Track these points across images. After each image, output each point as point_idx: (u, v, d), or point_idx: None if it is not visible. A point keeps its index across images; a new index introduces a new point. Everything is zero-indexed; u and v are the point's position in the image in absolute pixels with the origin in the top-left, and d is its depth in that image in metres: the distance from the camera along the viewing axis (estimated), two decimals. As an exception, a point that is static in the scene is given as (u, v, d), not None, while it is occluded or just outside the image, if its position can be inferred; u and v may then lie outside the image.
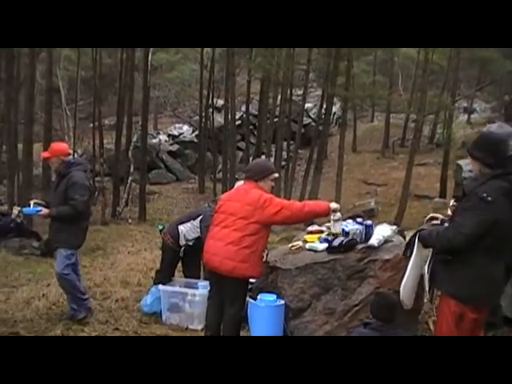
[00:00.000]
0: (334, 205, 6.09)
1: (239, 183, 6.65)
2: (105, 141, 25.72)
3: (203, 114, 27.75)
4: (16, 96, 19.40)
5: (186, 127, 34.58)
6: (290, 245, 6.82)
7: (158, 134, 33.89)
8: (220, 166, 27.07)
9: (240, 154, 29.61)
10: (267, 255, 6.23)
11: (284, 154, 25.00)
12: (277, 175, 6.52)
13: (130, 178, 23.01)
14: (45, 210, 7.13)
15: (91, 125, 26.48)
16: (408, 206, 20.25)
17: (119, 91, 24.43)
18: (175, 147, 31.90)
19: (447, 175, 22.92)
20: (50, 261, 10.25)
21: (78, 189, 7.02)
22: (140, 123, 23.60)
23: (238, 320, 6.12)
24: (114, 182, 23.15)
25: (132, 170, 23.01)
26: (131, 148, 23.22)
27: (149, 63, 23.84)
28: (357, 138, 32.24)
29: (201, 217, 7.78)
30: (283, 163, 24.50)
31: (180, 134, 33.65)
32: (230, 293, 6.02)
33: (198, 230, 7.72)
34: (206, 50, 26.95)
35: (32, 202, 7.36)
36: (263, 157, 23.13)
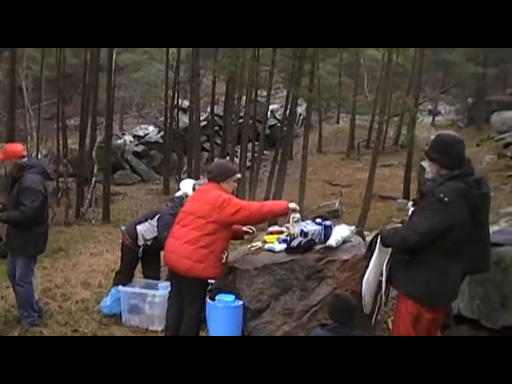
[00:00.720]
0: (292, 205, 6.13)
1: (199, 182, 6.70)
2: (69, 141, 25.49)
3: (168, 114, 27.65)
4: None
5: (151, 128, 34.43)
6: (249, 245, 6.82)
7: (124, 134, 33.69)
8: (185, 167, 26.98)
9: (206, 154, 29.63)
10: (227, 257, 6.22)
11: (249, 154, 25.00)
12: (239, 176, 6.57)
13: (94, 179, 22.78)
14: None
15: (56, 125, 26.20)
16: (372, 206, 20.38)
17: (83, 91, 24.22)
18: (140, 148, 31.71)
19: (411, 176, 23.12)
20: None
21: (29, 194, 6.83)
22: (104, 124, 23.41)
23: (197, 321, 6.13)
24: (78, 182, 22.91)
25: (96, 170, 22.79)
26: (95, 148, 22.99)
27: (113, 63, 23.70)
28: (322, 139, 32.43)
29: (158, 216, 7.73)
30: (248, 164, 24.51)
31: (145, 134, 33.48)
32: (188, 293, 6.05)
33: (156, 229, 7.66)
34: (171, 50, 26.82)
35: None
36: (227, 158, 23.16)
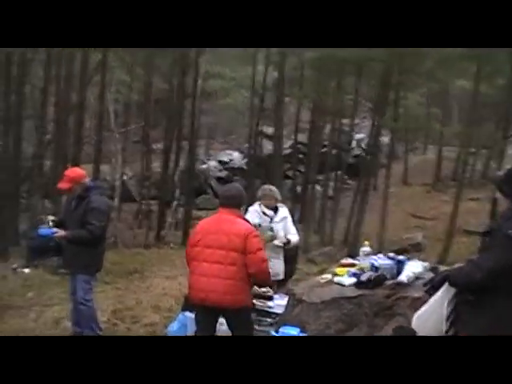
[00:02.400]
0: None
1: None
2: (155, 164, 25.94)
3: (253, 141, 27.74)
4: (66, 118, 19.66)
5: (236, 154, 34.67)
6: (319, 277, 6.63)
7: (209, 159, 34.07)
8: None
9: (288, 182, 29.53)
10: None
11: (332, 184, 24.79)
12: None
13: (176, 203, 23.02)
14: (60, 232, 7.04)
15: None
16: (456, 241, 19.78)
17: (168, 116, 24.66)
18: (224, 173, 31.95)
19: (497, 211, 22.30)
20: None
21: (97, 214, 6.92)
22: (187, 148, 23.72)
23: None
24: (160, 205, 23.22)
25: (178, 194, 23.04)
26: (178, 172, 23.28)
27: (198, 89, 24.00)
28: (408, 171, 31.80)
29: None
30: (331, 193, 24.30)
31: (230, 160, 33.76)
32: (235, 325, 5.83)
33: None
34: (258, 77, 26.95)
35: (50, 219, 7.28)
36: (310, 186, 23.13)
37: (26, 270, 12.08)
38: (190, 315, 7.39)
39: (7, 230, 17.29)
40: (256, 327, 6.25)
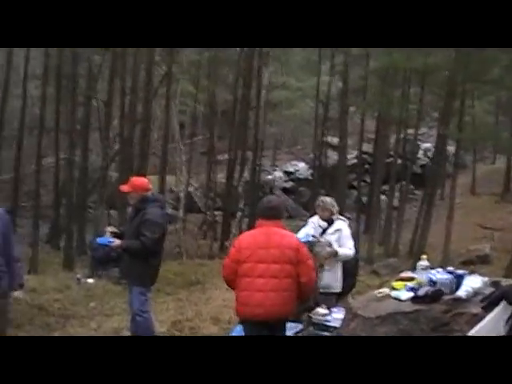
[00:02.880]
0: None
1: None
2: (220, 175, 26.10)
3: (318, 151, 27.64)
4: (132, 130, 19.95)
5: (302, 164, 34.58)
6: (376, 291, 6.51)
7: (274, 170, 34.09)
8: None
9: (354, 192, 29.31)
10: None
11: (398, 194, 24.49)
12: None
13: (240, 214, 23.08)
14: (117, 242, 7.15)
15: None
16: (525, 254, 19.20)
17: (231, 127, 24.85)
18: (289, 184, 31.92)
19: None
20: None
21: (150, 226, 6.96)
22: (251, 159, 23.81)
23: None
24: (225, 216, 23.33)
25: (242, 205, 23.12)
26: (242, 183, 23.37)
27: (261, 100, 24.08)
28: (476, 180, 31.12)
29: None
30: (396, 203, 23.99)
31: (296, 171, 33.69)
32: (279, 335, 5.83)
33: None
34: (322, 87, 26.85)
35: (109, 230, 7.41)
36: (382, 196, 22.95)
37: (90, 280, 12.29)
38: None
39: (74, 241, 17.63)
40: (313, 340, 6.19)
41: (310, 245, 7.32)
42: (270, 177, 31.66)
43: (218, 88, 25.53)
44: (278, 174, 33.32)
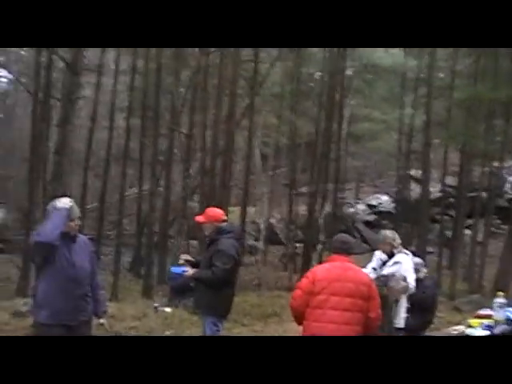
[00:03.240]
0: None
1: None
2: (302, 207, 26.05)
3: (401, 184, 27.26)
4: (214, 161, 20.20)
5: (385, 197, 34.10)
6: (451, 328, 6.36)
7: (357, 203, 33.80)
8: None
9: (437, 226, 28.71)
10: None
11: (482, 228, 23.82)
12: None
13: (320, 246, 22.95)
14: (190, 271, 7.23)
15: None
16: None
17: (313, 160, 24.89)
18: (372, 217, 31.52)
19: None
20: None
21: (222, 257, 7.00)
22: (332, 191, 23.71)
23: None
24: (305, 248, 23.23)
25: (323, 237, 23.00)
26: (323, 215, 23.28)
27: (341, 132, 24.03)
28: None
29: None
30: (481, 238, 23.33)
31: (379, 204, 33.25)
32: None
33: None
34: (406, 120, 26.57)
35: (183, 258, 7.50)
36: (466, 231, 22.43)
37: (167, 309, 12.39)
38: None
39: (154, 269, 17.90)
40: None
41: (384, 279, 7.25)
42: (352, 210, 31.40)
43: (300, 120, 25.61)
44: (361, 206, 32.99)
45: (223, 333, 9.67)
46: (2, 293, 16.69)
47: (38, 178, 15.53)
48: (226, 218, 7.52)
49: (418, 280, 8.72)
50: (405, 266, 7.31)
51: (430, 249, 23.78)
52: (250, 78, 22.34)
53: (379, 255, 7.46)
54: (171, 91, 20.16)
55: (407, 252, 7.79)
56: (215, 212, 7.55)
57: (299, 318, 5.88)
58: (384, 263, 7.38)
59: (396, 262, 7.34)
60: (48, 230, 5.16)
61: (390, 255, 7.44)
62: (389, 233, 7.74)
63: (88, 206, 27.43)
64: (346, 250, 5.93)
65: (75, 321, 5.48)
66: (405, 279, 7.36)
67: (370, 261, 7.54)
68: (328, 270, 5.95)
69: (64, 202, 5.42)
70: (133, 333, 10.20)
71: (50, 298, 5.30)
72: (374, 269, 7.29)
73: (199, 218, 7.51)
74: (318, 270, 6.05)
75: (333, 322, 5.64)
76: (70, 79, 10.79)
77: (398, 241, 7.61)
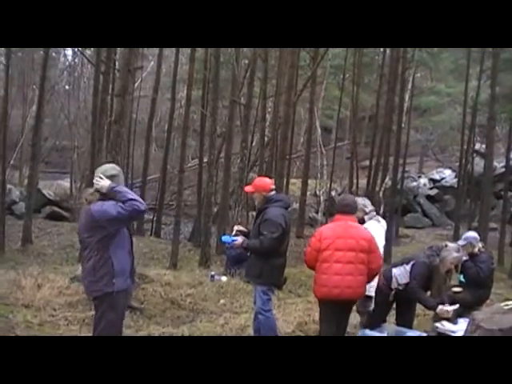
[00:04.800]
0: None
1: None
2: (363, 180, 25.92)
3: (464, 159, 26.74)
4: (274, 133, 20.20)
5: (448, 172, 33.54)
6: (503, 303, 6.26)
7: (420, 177, 33.39)
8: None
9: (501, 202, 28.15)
10: None
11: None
12: None
13: (379, 219, 22.81)
14: (239, 240, 7.29)
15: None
16: None
17: (374, 132, 24.66)
18: (434, 192, 31.02)
19: None
20: (278, 293, 10.48)
21: (269, 225, 7.04)
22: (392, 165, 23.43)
23: None
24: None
25: (382, 210, 22.81)
26: (383, 189, 23.10)
27: (405, 105, 23.67)
28: None
29: (413, 262, 7.45)
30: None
31: (442, 178, 32.70)
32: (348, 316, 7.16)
33: (409, 275, 7.39)
34: (471, 92, 25.98)
35: (236, 229, 7.60)
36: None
37: (223, 278, 12.54)
38: (369, 333, 7.34)
39: (213, 239, 18.07)
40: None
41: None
42: (414, 184, 31.01)
43: (363, 93, 25.39)
44: (424, 180, 32.55)
45: (277, 303, 9.85)
46: (65, 259, 17.19)
47: (99, 149, 15.78)
48: (273, 187, 7.56)
49: (472, 255, 8.68)
50: (372, 232, 7.34)
51: (493, 225, 23.29)
52: (312, 50, 22.22)
53: None
54: (232, 63, 20.17)
55: (379, 219, 8.29)
56: (263, 182, 7.62)
57: (312, 269, 6.89)
58: None
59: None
60: (139, 199, 5.32)
61: (362, 222, 7.60)
62: (360, 199, 8.08)
63: (150, 177, 27.90)
64: (348, 211, 6.83)
65: (132, 285, 5.92)
66: (458, 250, 7.38)
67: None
68: (332, 228, 6.91)
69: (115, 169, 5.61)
70: (188, 300, 10.39)
71: (124, 266, 5.50)
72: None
73: (248, 188, 7.72)
74: (324, 230, 7.04)
75: (337, 273, 6.57)
76: (128, 49, 10.89)
77: (370, 207, 8.13)
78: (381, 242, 7.76)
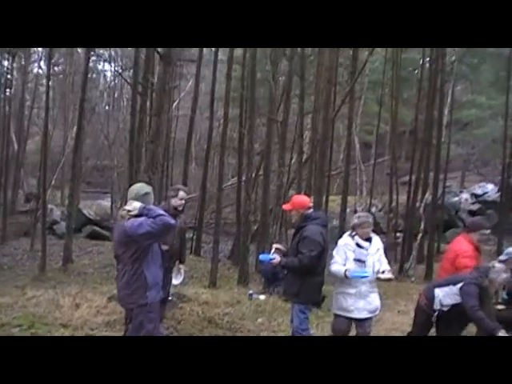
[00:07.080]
0: None
1: None
2: (403, 196, 25.65)
3: (506, 173, 26.29)
4: (313, 150, 20.10)
5: (491, 186, 33.06)
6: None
7: (461, 192, 32.96)
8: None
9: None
10: None
11: None
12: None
13: (420, 235, 22.53)
14: (277, 259, 7.22)
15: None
16: None
17: (414, 147, 24.43)
18: (476, 206, 30.57)
19: None
20: (316, 312, 10.35)
21: (308, 243, 7.00)
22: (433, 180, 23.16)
23: None
24: (405, 238, 22.85)
25: (423, 226, 22.55)
26: (423, 205, 22.84)
27: (444, 118, 23.41)
28: None
29: (461, 283, 7.17)
30: None
31: (484, 193, 32.25)
32: None
33: (457, 296, 7.11)
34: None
35: (274, 247, 7.54)
36: None
37: (261, 297, 12.47)
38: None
39: (251, 258, 18.04)
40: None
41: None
42: (455, 199, 30.61)
43: (403, 108, 25.18)
44: (465, 195, 32.12)
45: (315, 321, 9.74)
46: (105, 278, 17.31)
47: (136, 169, 15.90)
48: (311, 205, 7.51)
49: (514, 269, 8.47)
50: (382, 249, 7.32)
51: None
52: (349, 65, 22.14)
53: (354, 242, 7.26)
54: (269, 80, 20.20)
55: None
56: (301, 199, 7.59)
57: None
58: (360, 246, 7.21)
59: (378, 248, 7.30)
60: (167, 214, 5.65)
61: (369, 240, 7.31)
62: (368, 217, 7.53)
63: (190, 196, 28.00)
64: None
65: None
66: (506, 270, 7.17)
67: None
68: None
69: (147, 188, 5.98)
70: (226, 319, 10.32)
71: (157, 279, 5.89)
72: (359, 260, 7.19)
73: (286, 206, 7.60)
74: None
75: None
76: (163, 69, 11.01)
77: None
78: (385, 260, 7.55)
